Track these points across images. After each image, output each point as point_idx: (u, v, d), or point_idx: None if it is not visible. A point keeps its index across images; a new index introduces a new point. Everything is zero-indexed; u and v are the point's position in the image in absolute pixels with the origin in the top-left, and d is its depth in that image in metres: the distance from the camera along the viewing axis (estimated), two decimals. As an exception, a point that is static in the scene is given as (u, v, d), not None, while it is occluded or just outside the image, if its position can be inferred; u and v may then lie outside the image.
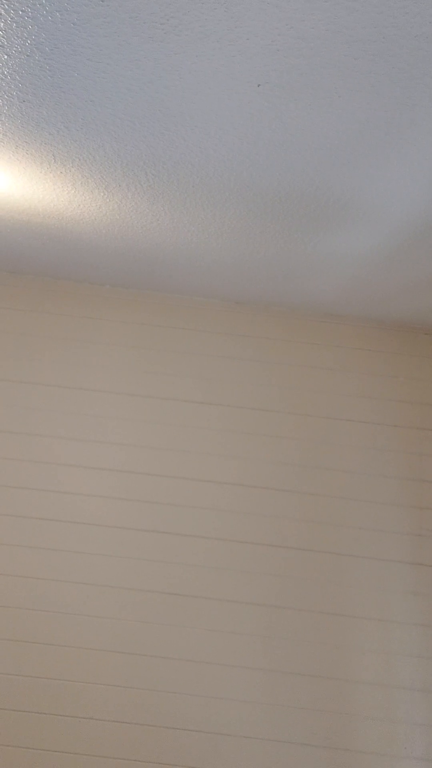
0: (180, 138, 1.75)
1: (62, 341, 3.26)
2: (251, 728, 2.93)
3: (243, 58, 1.37)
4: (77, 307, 3.30)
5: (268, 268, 2.78)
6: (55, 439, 3.16)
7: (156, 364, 3.26)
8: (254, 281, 2.98)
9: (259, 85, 1.46)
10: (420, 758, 2.92)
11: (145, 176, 2.03)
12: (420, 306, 3.02)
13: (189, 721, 2.93)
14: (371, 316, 3.28)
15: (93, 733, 2.91)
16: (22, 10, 1.28)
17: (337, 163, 1.80)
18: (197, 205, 2.20)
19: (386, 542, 3.11)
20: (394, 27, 1.23)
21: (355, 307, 3.17)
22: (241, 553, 3.08)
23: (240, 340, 3.30)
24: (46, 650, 2.97)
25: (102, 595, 3.02)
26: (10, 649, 2.96)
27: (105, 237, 2.63)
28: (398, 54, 1.31)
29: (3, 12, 1.28)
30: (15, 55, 1.43)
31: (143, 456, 3.16)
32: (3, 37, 1.36)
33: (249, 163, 1.86)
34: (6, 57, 1.44)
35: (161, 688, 2.96)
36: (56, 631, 2.99)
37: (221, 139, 1.74)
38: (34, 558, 3.04)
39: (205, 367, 3.26)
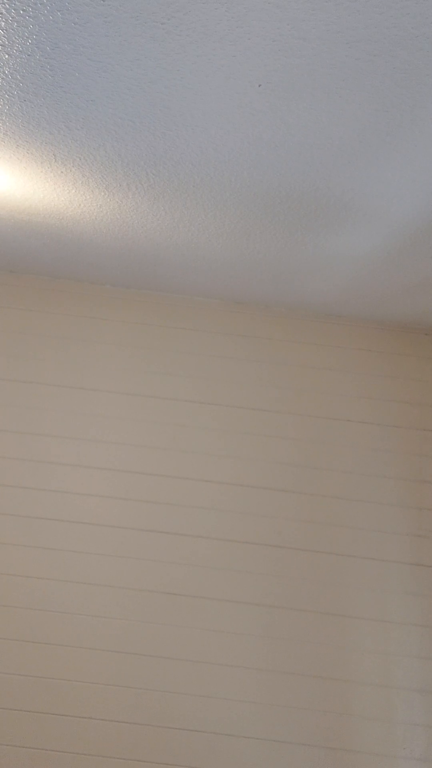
0: (181, 138, 1.75)
1: (62, 341, 3.26)
2: (250, 728, 2.93)
3: (244, 58, 1.37)
4: (77, 306, 3.30)
5: (269, 269, 2.78)
6: (55, 439, 3.16)
7: (156, 363, 3.26)
8: (254, 281, 2.98)
9: (260, 85, 1.46)
10: (419, 759, 2.92)
11: (145, 176, 2.03)
12: (420, 306, 3.02)
13: (188, 721, 2.93)
14: (371, 317, 3.28)
15: (92, 732, 2.91)
16: (23, 10, 1.28)
17: (338, 164, 1.80)
18: (198, 204, 2.20)
19: (386, 543, 3.11)
20: (395, 27, 1.23)
21: (355, 307, 3.17)
22: (240, 553, 3.08)
23: (240, 340, 3.30)
24: (44, 649, 2.97)
25: (101, 595, 3.02)
26: (8, 649, 2.96)
27: (105, 236, 2.63)
28: (399, 54, 1.31)
29: (4, 11, 1.28)
30: (16, 54, 1.43)
31: (143, 456, 3.16)
32: (4, 36, 1.36)
33: (250, 163, 1.86)
34: (7, 56, 1.44)
35: (160, 688, 2.96)
36: (55, 631, 2.99)
37: (222, 139, 1.74)
38: (34, 557, 3.04)
39: (205, 367, 3.26)
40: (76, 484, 3.12)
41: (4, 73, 1.51)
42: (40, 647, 2.97)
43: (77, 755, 2.88)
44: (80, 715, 2.92)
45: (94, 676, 2.96)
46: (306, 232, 2.32)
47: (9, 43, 1.39)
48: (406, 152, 1.70)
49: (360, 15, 1.20)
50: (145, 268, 2.99)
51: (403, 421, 3.23)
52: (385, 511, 3.14)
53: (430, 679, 3.00)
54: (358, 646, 3.01)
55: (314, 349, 3.30)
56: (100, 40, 1.35)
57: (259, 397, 3.23)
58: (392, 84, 1.41)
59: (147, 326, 3.29)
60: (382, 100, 1.47)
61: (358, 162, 1.78)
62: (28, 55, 1.43)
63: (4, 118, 1.73)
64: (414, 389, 3.27)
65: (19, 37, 1.36)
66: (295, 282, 2.91)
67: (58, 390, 3.21)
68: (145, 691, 2.95)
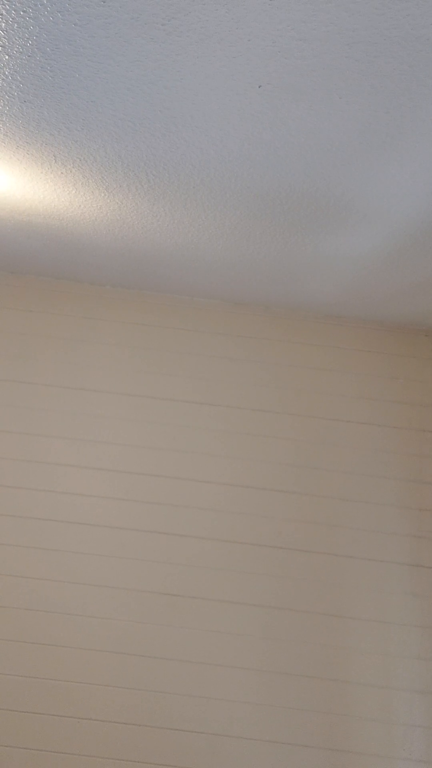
0: (181, 139, 1.75)
1: (62, 341, 3.26)
2: (249, 729, 2.93)
3: (244, 59, 1.37)
4: (77, 307, 3.30)
5: (268, 269, 2.78)
6: (55, 439, 3.16)
7: (155, 364, 3.26)
8: (254, 282, 2.98)
9: (260, 86, 1.47)
10: (419, 760, 2.92)
11: (145, 177, 2.03)
12: (420, 307, 3.02)
13: (187, 722, 2.93)
14: (371, 318, 3.28)
15: (91, 733, 2.91)
16: (23, 11, 1.28)
17: (338, 164, 1.81)
18: (198, 205, 2.20)
19: (385, 544, 3.11)
20: (395, 28, 1.23)
21: (355, 308, 3.17)
22: (239, 554, 3.08)
23: (239, 340, 3.30)
24: (44, 650, 2.97)
25: (100, 596, 3.02)
26: (8, 649, 2.96)
27: (105, 237, 2.63)
28: (399, 55, 1.31)
29: (4, 12, 1.28)
30: (16, 55, 1.43)
31: (142, 456, 3.16)
32: (4, 37, 1.36)
33: (250, 164, 1.86)
34: (7, 57, 1.44)
35: (159, 689, 2.95)
36: (54, 631, 2.99)
37: (222, 140, 1.74)
38: (33, 558, 3.04)
39: (205, 368, 3.26)
40: (76, 484, 3.12)
41: (4, 74, 1.51)
42: (39, 648, 2.97)
43: (76, 756, 2.88)
44: (79, 716, 2.92)
45: (93, 677, 2.96)
46: (306, 232, 2.32)
47: (9, 44, 1.39)
48: (406, 153, 1.70)
49: (360, 16, 1.20)
50: (146, 269, 2.99)
51: (403, 422, 3.23)
52: (384, 512, 3.14)
53: (429, 680, 2.99)
54: (358, 647, 3.01)
55: (314, 349, 3.30)
56: (100, 41, 1.35)
57: (259, 398, 3.23)
58: (392, 85, 1.41)
59: (147, 327, 3.30)
60: (382, 101, 1.47)
61: (358, 163, 1.78)
62: (29, 57, 1.44)
63: (4, 119, 1.73)
64: (414, 390, 3.27)
65: (20, 38, 1.37)
66: (295, 283, 2.92)
67: (58, 391, 3.21)
68: (144, 692, 2.95)
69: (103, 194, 2.20)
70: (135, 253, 2.77)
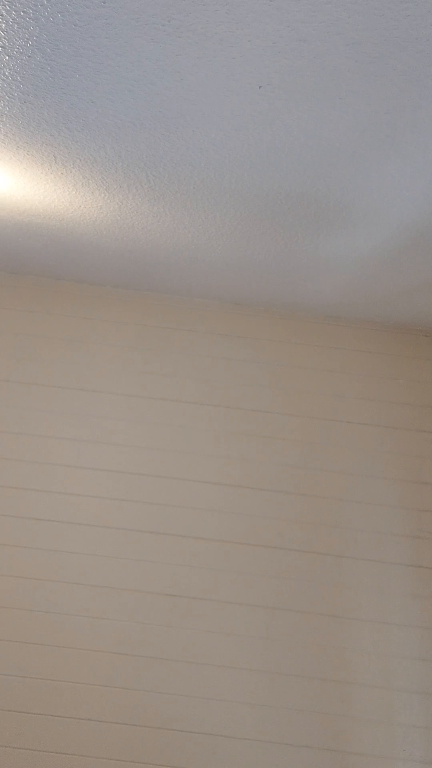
0: (181, 139, 1.75)
1: (62, 341, 3.26)
2: (250, 730, 2.93)
3: (244, 60, 1.37)
4: (77, 307, 3.30)
5: (268, 270, 2.78)
6: (55, 440, 3.16)
7: (155, 364, 3.26)
8: (254, 282, 2.98)
9: (260, 87, 1.47)
10: (419, 761, 2.92)
11: (145, 177, 2.03)
12: (420, 308, 3.02)
13: (187, 723, 2.93)
14: (371, 318, 3.28)
15: (91, 734, 2.91)
16: (23, 11, 1.28)
17: (338, 165, 1.81)
18: (198, 206, 2.20)
19: (385, 544, 3.11)
20: (396, 29, 1.23)
21: (355, 308, 3.17)
22: (240, 555, 3.08)
23: (239, 341, 3.30)
24: (44, 651, 2.96)
25: (101, 596, 3.02)
26: (8, 650, 2.96)
27: (106, 238, 2.63)
28: (399, 56, 1.31)
29: (4, 13, 1.28)
30: (16, 56, 1.43)
31: (142, 457, 3.16)
32: (4, 38, 1.36)
33: (250, 165, 1.86)
34: (7, 58, 1.44)
35: (160, 690, 2.95)
36: (54, 632, 2.98)
37: (222, 141, 1.74)
38: (33, 558, 3.04)
39: (205, 369, 3.26)
40: (76, 485, 3.12)
41: (4, 74, 1.51)
42: (39, 648, 2.97)
43: (76, 756, 2.88)
44: (79, 716, 2.92)
45: (93, 677, 2.96)
46: (306, 233, 2.32)
47: (9, 44, 1.39)
48: (406, 154, 1.70)
49: (360, 17, 1.20)
50: (146, 270, 2.99)
51: (403, 423, 3.23)
52: (384, 513, 3.13)
53: (430, 681, 2.99)
54: (358, 648, 3.01)
55: (314, 350, 3.30)
56: (100, 41, 1.35)
57: (259, 399, 3.23)
58: (392, 86, 1.41)
59: (147, 327, 3.30)
60: (382, 101, 1.48)
61: (358, 164, 1.78)
62: (29, 57, 1.44)
63: (4, 119, 1.73)
64: (414, 391, 3.27)
65: (20, 38, 1.37)
66: (295, 283, 2.92)
67: (58, 391, 3.21)
68: (144, 693, 2.95)
69: (103, 194, 2.20)
70: (135, 253, 2.77)
